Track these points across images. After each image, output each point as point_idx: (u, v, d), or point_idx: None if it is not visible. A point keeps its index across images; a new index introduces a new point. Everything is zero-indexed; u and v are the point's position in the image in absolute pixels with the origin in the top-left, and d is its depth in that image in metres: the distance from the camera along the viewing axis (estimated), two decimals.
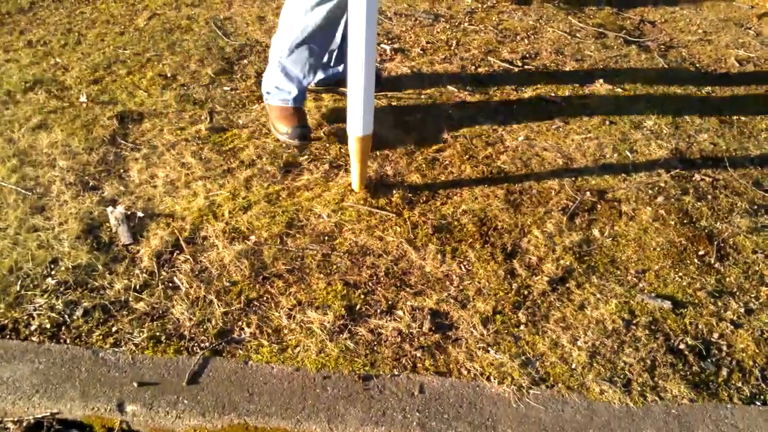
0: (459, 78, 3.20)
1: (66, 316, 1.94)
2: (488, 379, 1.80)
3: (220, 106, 2.92)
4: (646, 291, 2.09)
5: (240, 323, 1.94)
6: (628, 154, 2.69)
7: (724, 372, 1.85)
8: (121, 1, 3.88)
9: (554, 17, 3.87)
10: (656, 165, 2.63)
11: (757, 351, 1.91)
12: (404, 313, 1.98)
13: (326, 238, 2.24)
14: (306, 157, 2.60)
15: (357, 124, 2.25)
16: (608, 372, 1.83)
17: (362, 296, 2.03)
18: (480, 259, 2.17)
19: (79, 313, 1.95)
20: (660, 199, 2.45)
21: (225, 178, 2.48)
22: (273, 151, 2.62)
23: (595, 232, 2.30)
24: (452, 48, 3.49)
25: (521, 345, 1.90)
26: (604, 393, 1.77)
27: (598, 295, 2.06)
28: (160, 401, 1.72)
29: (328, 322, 1.94)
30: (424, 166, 2.57)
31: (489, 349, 1.88)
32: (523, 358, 1.86)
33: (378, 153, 2.63)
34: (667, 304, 2.03)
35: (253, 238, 2.22)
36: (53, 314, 1.94)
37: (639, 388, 1.79)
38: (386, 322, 1.95)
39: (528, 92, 3.11)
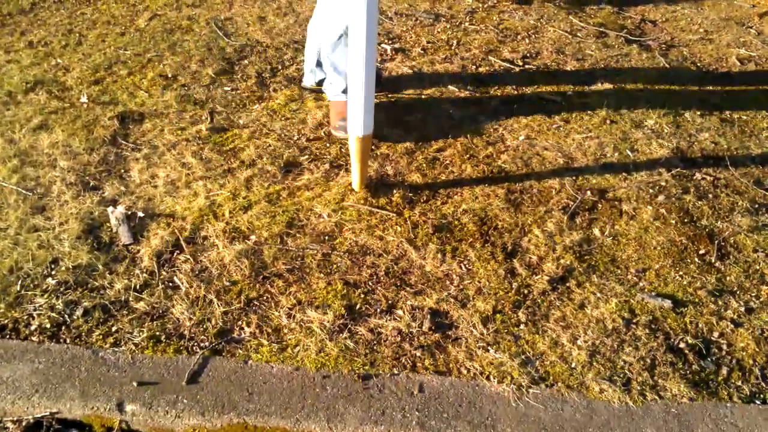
0: (460, 77, 3.20)
1: (66, 315, 1.94)
2: (488, 378, 1.80)
3: (220, 106, 2.92)
4: (646, 290, 2.09)
5: (240, 323, 1.94)
6: (629, 153, 2.69)
7: (724, 371, 1.85)
8: (121, 1, 3.89)
9: (555, 17, 3.86)
10: (657, 164, 2.63)
11: (757, 350, 1.91)
12: (404, 312, 1.98)
13: (326, 237, 2.24)
14: (306, 156, 2.61)
15: (357, 124, 2.25)
16: (608, 371, 1.83)
17: (362, 296, 2.03)
18: (480, 258, 2.17)
19: (79, 312, 1.95)
20: (661, 198, 2.45)
21: (225, 178, 2.48)
22: (273, 151, 2.63)
23: (596, 232, 2.30)
24: (453, 48, 3.48)
25: (521, 344, 1.90)
26: (603, 392, 1.77)
27: (599, 294, 2.06)
28: (159, 401, 1.72)
29: (328, 322, 1.94)
30: (424, 165, 2.57)
31: (489, 348, 1.88)
32: (523, 357, 1.86)
33: (378, 152, 2.63)
34: (668, 303, 2.03)
35: (253, 237, 2.22)
36: (53, 314, 1.94)
37: (639, 387, 1.79)
38: (386, 321, 1.95)
39: (529, 92, 3.11)
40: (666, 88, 3.18)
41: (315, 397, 1.73)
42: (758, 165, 2.65)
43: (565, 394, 1.77)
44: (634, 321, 1.98)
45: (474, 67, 3.30)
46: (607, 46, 3.56)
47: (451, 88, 3.11)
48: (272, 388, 1.76)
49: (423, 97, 3.02)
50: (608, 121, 2.89)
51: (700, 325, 1.98)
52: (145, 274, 2.09)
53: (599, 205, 2.41)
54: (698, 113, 2.98)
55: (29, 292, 2.01)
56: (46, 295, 2.00)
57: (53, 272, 2.08)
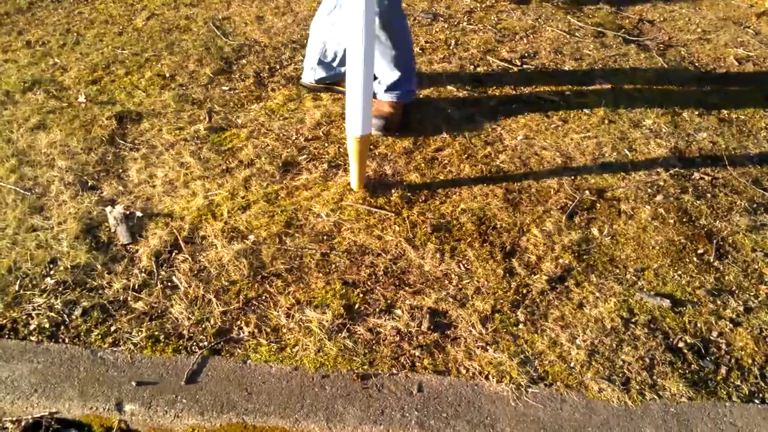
0: (458, 77, 3.20)
1: (65, 315, 1.94)
2: (487, 377, 1.80)
3: (218, 105, 2.92)
4: (645, 289, 2.09)
5: (239, 322, 1.94)
6: (627, 152, 2.69)
7: (723, 370, 1.85)
8: (119, 1, 3.89)
9: (553, 16, 3.87)
10: (655, 164, 2.63)
11: (756, 349, 1.91)
12: (403, 312, 1.98)
13: (325, 237, 2.24)
14: (305, 156, 2.60)
15: (356, 124, 2.25)
16: (607, 370, 1.83)
17: (361, 295, 2.03)
18: (479, 258, 2.17)
19: (77, 312, 1.95)
20: (659, 197, 2.45)
21: (224, 178, 2.48)
22: (272, 151, 2.62)
23: (594, 231, 2.30)
24: (451, 47, 3.49)
25: (520, 344, 1.90)
26: (602, 391, 1.77)
27: (597, 294, 2.06)
28: (158, 400, 1.71)
29: (327, 321, 1.94)
30: (423, 165, 2.57)
31: (488, 347, 1.88)
32: (522, 356, 1.86)
33: (377, 152, 2.63)
34: (666, 303, 2.03)
35: (251, 237, 2.22)
36: (52, 314, 1.94)
37: (638, 387, 1.79)
38: (385, 321, 1.95)
39: (527, 91, 3.11)
40: (664, 88, 3.19)
41: (314, 397, 1.73)
42: (756, 165, 2.66)
43: (564, 394, 1.77)
44: (633, 320, 1.98)
45: (472, 66, 3.30)
46: (605, 45, 3.57)
47: (449, 87, 3.11)
48: (271, 387, 1.76)
49: (421, 96, 3.02)
50: (606, 121, 2.89)
51: (698, 325, 1.98)
52: (143, 274, 2.08)
53: (598, 205, 2.41)
54: (696, 113, 2.98)
55: (28, 292, 2.01)
56: (44, 295, 2.00)
57: (52, 272, 2.08)
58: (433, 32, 3.63)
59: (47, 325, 1.91)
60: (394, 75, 2.71)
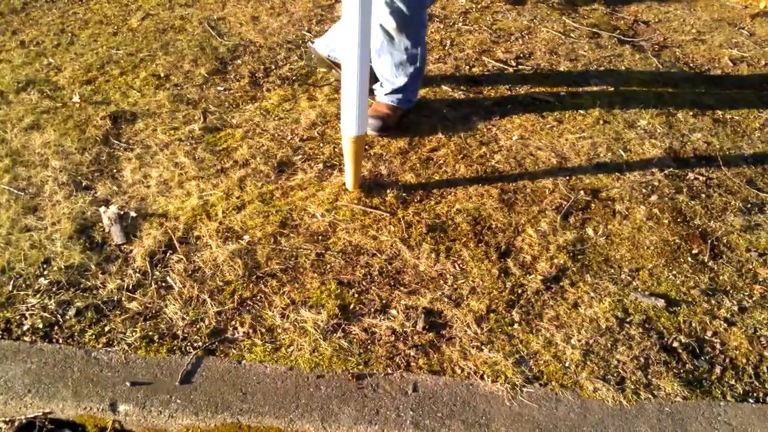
0: (453, 78, 3.20)
1: (58, 315, 1.94)
2: (482, 377, 1.80)
3: (213, 106, 2.91)
4: (639, 289, 2.09)
5: (233, 323, 1.94)
6: (622, 153, 2.70)
7: (718, 370, 1.85)
8: (114, 1, 3.88)
9: (548, 17, 3.87)
10: (650, 164, 2.64)
11: (751, 349, 1.91)
12: (398, 312, 1.98)
13: (320, 237, 2.23)
14: (300, 156, 2.60)
15: (351, 125, 2.25)
16: (602, 370, 1.83)
17: (356, 295, 2.03)
18: (474, 258, 2.17)
19: (71, 312, 1.95)
20: (654, 197, 2.45)
21: (218, 178, 2.47)
22: (267, 151, 2.62)
23: (589, 231, 2.30)
24: (446, 48, 3.49)
25: (515, 343, 1.90)
26: (597, 391, 1.77)
27: (592, 294, 2.06)
28: (152, 401, 1.71)
29: (322, 321, 1.93)
30: (418, 165, 2.57)
31: (483, 347, 1.88)
32: (517, 356, 1.86)
33: (372, 152, 2.63)
34: (661, 303, 2.03)
35: (246, 237, 2.22)
36: (46, 314, 1.93)
37: (632, 386, 1.79)
38: (380, 321, 1.95)
39: (522, 92, 3.11)
40: (659, 89, 3.19)
41: (309, 397, 1.73)
42: (751, 165, 2.66)
43: (559, 393, 1.77)
44: (628, 320, 1.98)
45: (467, 67, 3.30)
46: (600, 46, 3.57)
47: (444, 88, 3.11)
48: (266, 387, 1.75)
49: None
50: (601, 122, 2.89)
51: (693, 325, 1.98)
52: (137, 274, 2.08)
53: (592, 205, 2.41)
54: (691, 113, 2.98)
55: (21, 292, 2.00)
56: (38, 295, 1.99)
57: (45, 272, 2.07)
58: (429, 33, 3.63)
59: (41, 326, 1.90)
60: (400, 81, 2.70)
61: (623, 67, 3.37)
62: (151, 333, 1.90)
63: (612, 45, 3.59)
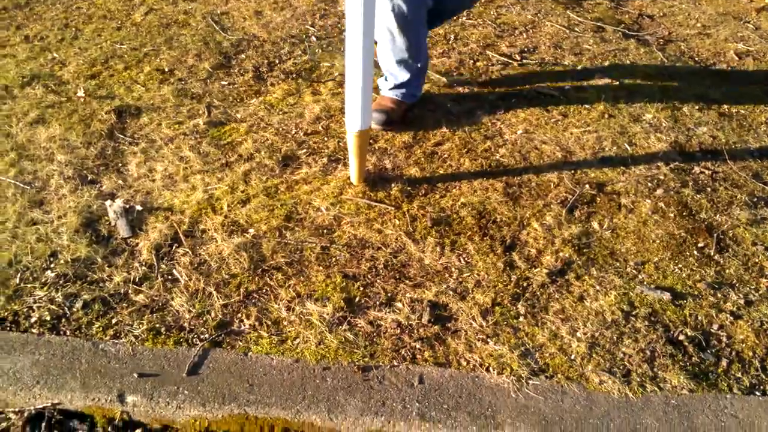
0: (457, 72, 3.20)
1: (66, 308, 1.94)
2: (487, 369, 1.80)
3: (217, 100, 2.92)
4: (645, 283, 2.09)
5: (239, 315, 1.94)
6: (627, 147, 2.69)
7: (724, 363, 1.85)
8: None
9: (552, 11, 3.87)
10: (655, 158, 2.63)
11: (757, 342, 1.91)
12: (403, 305, 1.98)
13: (325, 231, 2.24)
14: (304, 150, 2.60)
15: (355, 119, 2.25)
16: (608, 363, 1.83)
17: (361, 288, 2.03)
18: (479, 251, 2.17)
19: (78, 305, 1.95)
20: (659, 191, 2.45)
21: (223, 172, 2.48)
22: (271, 145, 2.62)
23: (595, 225, 2.30)
24: (450, 42, 3.48)
25: (520, 336, 1.90)
26: (603, 383, 1.77)
27: (598, 287, 2.06)
28: (160, 392, 1.71)
29: (328, 314, 1.94)
30: (422, 159, 2.57)
31: (488, 340, 1.88)
32: (523, 349, 1.86)
33: (377, 146, 2.63)
34: (667, 296, 2.03)
35: (251, 231, 2.22)
36: (53, 306, 1.94)
37: (638, 379, 1.79)
38: (385, 313, 1.95)
39: (526, 86, 3.11)
40: (664, 83, 3.19)
41: (315, 389, 1.73)
42: (756, 159, 2.66)
43: (565, 386, 1.77)
44: (634, 313, 1.98)
45: (472, 61, 3.30)
46: (605, 40, 3.57)
47: (448, 82, 3.11)
48: (272, 379, 1.76)
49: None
50: (606, 115, 2.89)
51: (699, 318, 1.98)
52: (144, 267, 2.08)
53: (598, 199, 2.41)
54: (696, 107, 2.98)
55: (28, 285, 2.01)
56: (45, 288, 2.00)
57: (52, 265, 2.08)
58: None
59: (48, 318, 1.91)
60: (403, 76, 2.70)
61: (628, 61, 3.36)
62: (157, 325, 1.90)
63: (617, 39, 3.59)
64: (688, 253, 2.21)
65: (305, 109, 2.86)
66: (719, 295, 2.05)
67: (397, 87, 2.74)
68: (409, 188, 2.42)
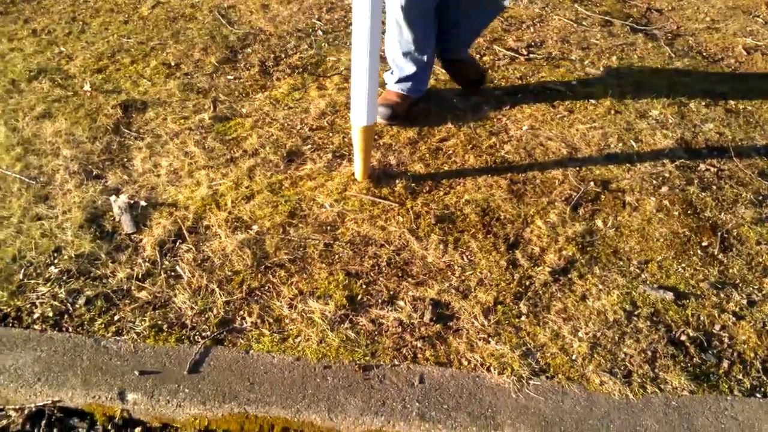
0: None
1: (68, 304, 1.95)
2: (488, 369, 1.80)
3: (223, 95, 2.92)
4: (648, 282, 2.08)
5: (241, 312, 1.95)
6: (633, 143, 2.68)
7: (725, 364, 1.84)
8: None
9: (560, 5, 3.84)
10: (661, 155, 2.62)
11: (759, 343, 1.91)
12: (405, 303, 1.98)
13: (329, 227, 2.24)
14: (309, 146, 2.60)
15: (361, 114, 2.25)
16: (609, 363, 1.83)
17: (364, 286, 2.03)
18: (482, 249, 2.17)
19: (81, 301, 1.96)
20: (664, 189, 2.44)
21: (228, 168, 2.48)
22: (276, 141, 2.62)
23: (599, 223, 2.29)
24: None
25: (522, 336, 1.90)
26: (604, 384, 1.77)
27: (600, 286, 2.06)
28: (161, 390, 1.72)
29: (330, 312, 1.94)
30: (427, 155, 2.57)
31: (490, 339, 1.88)
32: (524, 348, 1.86)
33: (381, 142, 2.63)
34: (669, 296, 2.02)
35: (255, 227, 2.23)
36: (56, 303, 1.95)
37: (639, 380, 1.79)
38: (387, 312, 1.95)
39: (533, 81, 3.10)
40: (671, 78, 3.16)
41: (316, 388, 1.74)
42: (763, 156, 2.64)
43: (566, 386, 1.77)
44: (636, 313, 1.98)
45: (478, 56, 3.29)
46: (613, 35, 3.54)
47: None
48: (273, 378, 1.76)
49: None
50: (612, 111, 2.87)
51: (701, 318, 1.97)
52: (147, 264, 2.09)
53: (602, 196, 2.40)
54: (703, 103, 2.96)
55: (32, 281, 2.02)
56: (48, 284, 2.01)
57: (56, 261, 2.09)
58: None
59: (51, 314, 1.92)
60: (410, 69, 2.70)
61: (635, 56, 3.34)
62: (160, 322, 1.91)
63: (624, 33, 3.56)
64: (691, 252, 2.20)
65: (311, 104, 2.86)
66: (722, 295, 2.05)
67: (402, 80, 2.73)
68: (413, 185, 2.42)
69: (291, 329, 1.90)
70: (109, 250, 2.13)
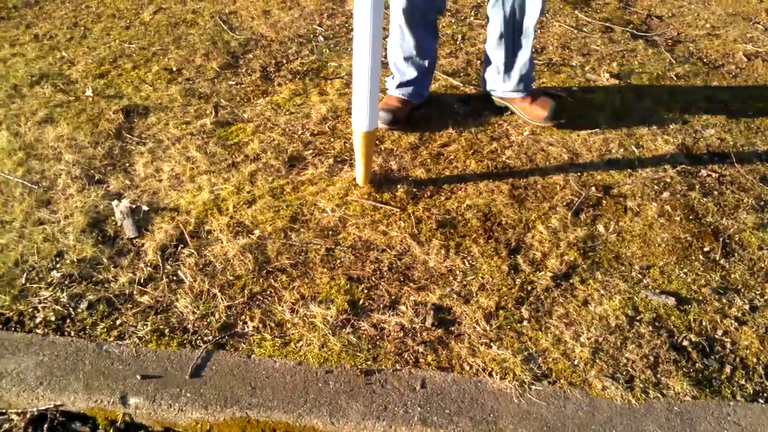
0: (464, 72, 3.19)
1: (71, 308, 1.95)
2: (490, 374, 1.80)
3: (225, 100, 2.92)
4: (650, 287, 2.08)
5: (243, 317, 1.94)
6: (634, 149, 2.68)
7: (728, 369, 1.84)
8: None
9: (561, 11, 3.85)
10: (662, 160, 2.62)
11: (761, 348, 1.90)
12: (407, 308, 1.98)
13: (330, 232, 2.24)
14: (310, 151, 2.61)
15: (362, 120, 2.25)
16: (611, 368, 1.83)
17: (365, 291, 2.03)
18: (484, 254, 2.17)
19: (83, 306, 1.96)
20: (666, 194, 2.44)
21: (230, 173, 2.48)
22: (278, 146, 2.63)
23: (600, 228, 2.30)
24: (458, 42, 3.48)
25: (524, 341, 1.90)
26: (606, 389, 1.77)
27: (602, 291, 2.06)
28: (163, 394, 1.72)
29: (331, 317, 1.94)
30: (428, 160, 2.57)
31: (491, 344, 1.88)
32: (526, 353, 1.86)
33: (383, 147, 2.63)
34: (671, 301, 2.02)
35: (257, 232, 2.23)
36: (58, 307, 1.95)
37: (641, 385, 1.78)
38: (389, 317, 1.95)
39: (534, 87, 3.10)
40: (672, 84, 3.17)
41: (317, 392, 1.74)
42: (764, 162, 2.64)
43: (568, 392, 1.77)
44: (638, 318, 1.98)
45: (479, 62, 3.29)
46: (613, 41, 3.55)
47: (455, 82, 3.10)
48: (275, 382, 1.76)
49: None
50: (613, 117, 2.87)
51: (703, 323, 1.97)
52: (149, 268, 2.09)
53: (604, 202, 2.40)
54: (704, 109, 2.96)
55: (34, 285, 2.02)
56: (50, 288, 2.01)
57: (58, 265, 2.09)
58: (440, 27, 3.62)
59: (53, 318, 1.92)
60: (411, 73, 2.70)
61: (636, 62, 3.35)
62: (161, 327, 1.91)
63: (625, 40, 3.57)
64: (693, 258, 2.20)
65: (312, 110, 2.87)
66: (724, 301, 2.05)
67: (403, 85, 2.74)
68: (414, 190, 2.42)
69: (293, 334, 1.90)
70: (111, 255, 2.13)
